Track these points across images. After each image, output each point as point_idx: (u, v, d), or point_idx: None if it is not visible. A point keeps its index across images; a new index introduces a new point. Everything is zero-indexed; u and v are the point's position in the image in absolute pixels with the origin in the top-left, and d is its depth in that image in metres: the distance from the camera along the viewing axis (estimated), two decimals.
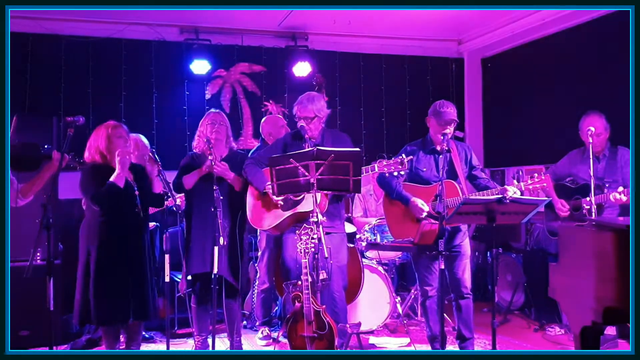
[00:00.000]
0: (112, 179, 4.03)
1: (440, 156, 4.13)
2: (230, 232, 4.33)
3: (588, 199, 4.46)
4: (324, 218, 3.86)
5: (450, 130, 4.11)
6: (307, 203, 3.97)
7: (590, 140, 4.48)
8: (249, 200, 4.33)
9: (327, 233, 4.08)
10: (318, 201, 3.90)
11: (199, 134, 4.49)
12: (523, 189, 3.97)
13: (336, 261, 4.12)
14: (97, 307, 4.01)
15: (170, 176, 4.20)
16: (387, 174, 3.97)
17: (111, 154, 4.13)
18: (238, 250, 4.36)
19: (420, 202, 4.12)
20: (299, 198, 4.10)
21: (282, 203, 4.15)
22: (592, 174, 4.38)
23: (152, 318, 4.28)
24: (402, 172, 3.91)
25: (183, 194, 4.45)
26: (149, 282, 4.15)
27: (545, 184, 4.02)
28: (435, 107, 4.18)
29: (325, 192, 3.96)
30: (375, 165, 3.96)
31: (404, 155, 3.95)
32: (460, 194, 4.08)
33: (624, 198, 4.35)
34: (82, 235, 4.19)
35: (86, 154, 4.19)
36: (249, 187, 4.34)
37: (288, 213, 4.14)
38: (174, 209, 4.18)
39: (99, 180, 4.06)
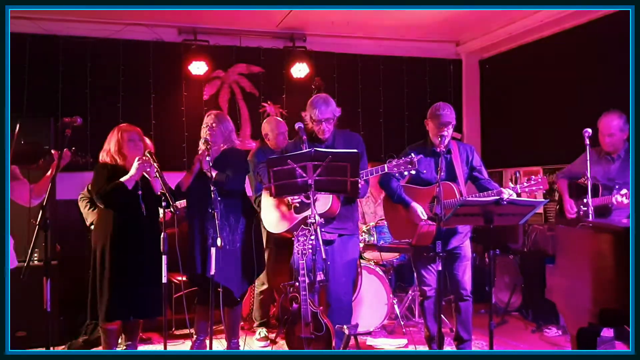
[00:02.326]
0: (123, 178, 4.06)
1: (440, 158, 4.14)
2: (245, 239, 4.35)
3: (585, 200, 4.46)
4: (322, 219, 3.87)
5: (447, 133, 4.13)
6: (320, 205, 3.98)
7: (608, 141, 4.43)
8: (265, 204, 4.35)
9: (339, 235, 4.14)
10: (329, 204, 3.97)
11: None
12: (519, 191, 3.97)
13: (342, 259, 4.14)
14: (109, 303, 4.03)
15: (168, 177, 4.19)
16: (397, 174, 3.98)
17: (121, 156, 4.18)
18: (255, 258, 4.39)
19: (420, 209, 4.13)
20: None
21: (297, 205, 4.15)
22: (589, 174, 4.35)
23: (159, 315, 4.24)
24: (412, 172, 3.92)
25: (184, 202, 4.49)
26: (155, 279, 4.06)
27: (542, 187, 4.02)
28: (433, 110, 4.21)
29: (337, 194, 3.98)
30: (385, 166, 3.97)
31: (412, 154, 3.95)
32: (458, 196, 4.08)
33: (625, 201, 4.33)
34: (95, 235, 4.24)
35: (100, 156, 4.26)
36: (263, 191, 4.39)
37: (301, 215, 4.14)
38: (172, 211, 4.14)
39: (107, 179, 4.10)
